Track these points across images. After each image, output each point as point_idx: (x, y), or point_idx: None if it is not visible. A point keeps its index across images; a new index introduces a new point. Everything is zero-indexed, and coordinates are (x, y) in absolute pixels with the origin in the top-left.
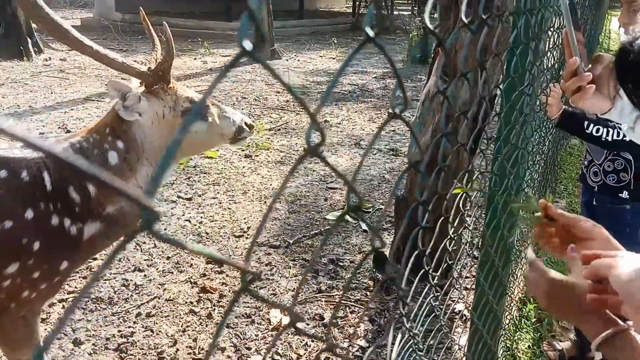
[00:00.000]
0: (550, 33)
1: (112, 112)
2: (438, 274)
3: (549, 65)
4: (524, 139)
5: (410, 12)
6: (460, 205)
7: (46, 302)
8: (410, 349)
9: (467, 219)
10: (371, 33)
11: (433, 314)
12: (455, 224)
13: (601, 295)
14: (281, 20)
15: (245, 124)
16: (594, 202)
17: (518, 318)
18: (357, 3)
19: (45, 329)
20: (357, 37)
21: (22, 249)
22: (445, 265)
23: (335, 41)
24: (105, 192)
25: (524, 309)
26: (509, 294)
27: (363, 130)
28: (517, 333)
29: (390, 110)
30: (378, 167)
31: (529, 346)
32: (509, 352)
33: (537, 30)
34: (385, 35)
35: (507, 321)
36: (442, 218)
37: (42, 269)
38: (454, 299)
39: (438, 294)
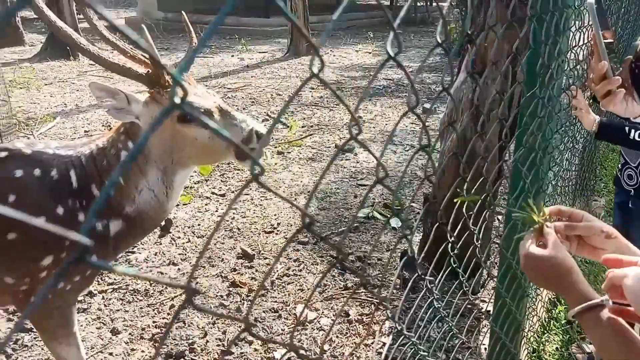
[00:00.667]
0: (572, 32)
1: None
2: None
3: (572, 66)
4: (543, 141)
5: (449, 3)
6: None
7: (81, 293)
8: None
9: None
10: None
11: (459, 314)
12: (482, 223)
13: (621, 306)
14: (318, 15)
15: (256, 133)
16: (630, 205)
17: (547, 320)
18: None
19: (86, 319)
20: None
21: (55, 243)
22: (473, 264)
23: (372, 35)
24: (122, 191)
25: (553, 311)
26: (532, 296)
27: (398, 126)
28: (545, 335)
29: (425, 106)
30: (412, 164)
31: (556, 348)
32: (535, 355)
33: (553, 32)
34: (423, 27)
35: (534, 323)
36: (464, 218)
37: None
38: (483, 299)
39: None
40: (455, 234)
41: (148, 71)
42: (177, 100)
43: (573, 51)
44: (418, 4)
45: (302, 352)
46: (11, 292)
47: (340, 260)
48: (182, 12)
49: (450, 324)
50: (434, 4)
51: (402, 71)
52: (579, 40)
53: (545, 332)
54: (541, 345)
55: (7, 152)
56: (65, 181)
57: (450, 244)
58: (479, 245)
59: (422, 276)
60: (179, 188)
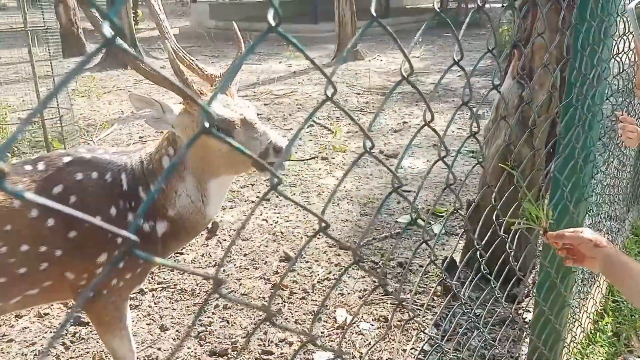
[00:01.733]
0: (614, 40)
1: None
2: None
3: (616, 72)
4: (583, 149)
5: (501, 5)
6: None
7: (133, 290)
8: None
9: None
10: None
11: (504, 322)
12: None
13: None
14: (366, 20)
15: (274, 147)
16: None
17: (592, 331)
18: None
19: (137, 315)
20: (443, 34)
21: (109, 242)
22: (517, 273)
23: (420, 39)
24: (165, 195)
25: (600, 322)
26: (574, 305)
27: (442, 131)
28: (590, 347)
29: (474, 109)
30: (456, 169)
31: None
32: None
33: (591, 41)
34: (475, 29)
35: (577, 334)
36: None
37: (126, 260)
38: (529, 308)
39: (509, 301)
40: (496, 241)
41: (185, 80)
42: (207, 124)
43: (616, 59)
44: (469, 5)
45: (345, 356)
46: (71, 287)
47: (357, 260)
48: (233, 21)
49: (483, 332)
50: (487, 5)
51: (450, 75)
52: (623, 48)
53: (590, 344)
54: (585, 357)
55: (70, 156)
56: (118, 184)
57: (492, 252)
58: (520, 254)
59: (464, 283)
60: (215, 196)
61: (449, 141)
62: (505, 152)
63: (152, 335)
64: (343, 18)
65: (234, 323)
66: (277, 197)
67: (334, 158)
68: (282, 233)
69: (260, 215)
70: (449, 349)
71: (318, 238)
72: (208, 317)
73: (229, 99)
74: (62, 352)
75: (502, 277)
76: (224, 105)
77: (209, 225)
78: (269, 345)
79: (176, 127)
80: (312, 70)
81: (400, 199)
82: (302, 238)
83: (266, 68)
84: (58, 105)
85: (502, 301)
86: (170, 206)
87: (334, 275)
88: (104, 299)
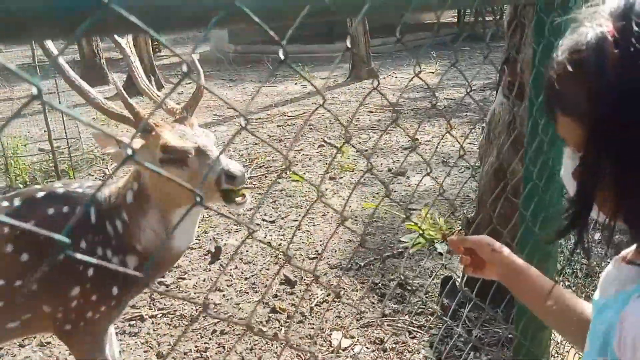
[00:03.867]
0: None
1: None
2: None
3: None
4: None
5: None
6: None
7: (112, 321)
8: None
9: None
10: None
11: (501, 343)
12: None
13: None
14: (382, 37)
15: (226, 173)
16: None
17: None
18: (462, 12)
19: (135, 342)
20: (460, 47)
21: (81, 275)
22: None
23: (435, 55)
24: (129, 230)
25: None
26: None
27: (453, 147)
28: None
29: (484, 124)
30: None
31: None
32: None
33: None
34: (492, 42)
35: None
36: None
37: (98, 292)
38: None
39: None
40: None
41: (136, 114)
42: (129, 152)
43: None
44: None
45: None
46: (49, 320)
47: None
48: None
49: (479, 355)
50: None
51: (464, 90)
52: None
53: None
54: None
55: (44, 192)
56: (86, 217)
57: None
58: None
59: (462, 303)
60: (182, 227)
61: (457, 156)
62: (498, 170)
63: None
64: (356, 37)
65: (230, 349)
66: (282, 219)
67: (341, 177)
68: (284, 255)
69: (265, 237)
70: None
71: (320, 260)
72: (205, 342)
73: (187, 129)
74: None
75: (500, 297)
76: (179, 135)
77: (212, 249)
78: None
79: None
80: (326, 89)
81: (403, 216)
82: (304, 260)
83: (282, 90)
84: (67, 135)
85: (499, 321)
86: (137, 241)
87: (332, 297)
88: (82, 331)
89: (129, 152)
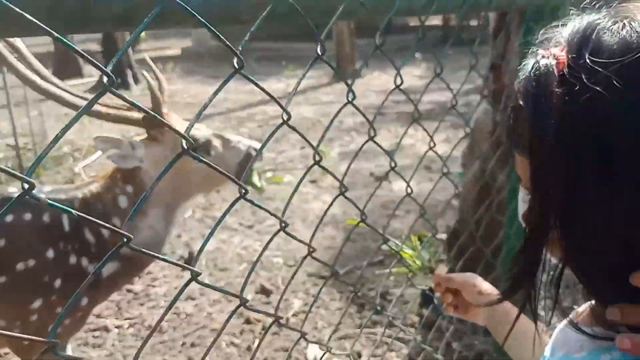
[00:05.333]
0: None
1: None
2: None
3: None
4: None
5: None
6: None
7: (71, 336)
8: None
9: None
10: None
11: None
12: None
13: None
14: (368, 38)
15: (254, 150)
16: None
17: None
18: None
19: (99, 355)
20: (445, 52)
21: (45, 286)
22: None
23: (420, 57)
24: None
25: None
26: None
27: (437, 151)
28: None
29: (467, 129)
30: (446, 191)
31: None
32: None
33: None
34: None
35: None
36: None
37: (64, 304)
38: None
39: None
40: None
41: (144, 116)
42: (185, 146)
43: None
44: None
45: None
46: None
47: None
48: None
49: None
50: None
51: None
52: None
53: None
54: None
55: None
56: (57, 225)
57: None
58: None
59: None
60: (177, 223)
61: (439, 162)
62: (480, 179)
63: None
64: (341, 37)
65: None
66: (260, 224)
67: (323, 181)
68: (261, 262)
69: (241, 242)
70: None
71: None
72: (173, 355)
73: (180, 122)
74: None
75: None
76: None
77: (185, 255)
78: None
79: (145, 160)
80: (310, 90)
81: (385, 224)
82: (281, 268)
83: (265, 88)
84: (32, 132)
85: (478, 334)
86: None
87: (308, 307)
88: (38, 347)
89: (184, 145)
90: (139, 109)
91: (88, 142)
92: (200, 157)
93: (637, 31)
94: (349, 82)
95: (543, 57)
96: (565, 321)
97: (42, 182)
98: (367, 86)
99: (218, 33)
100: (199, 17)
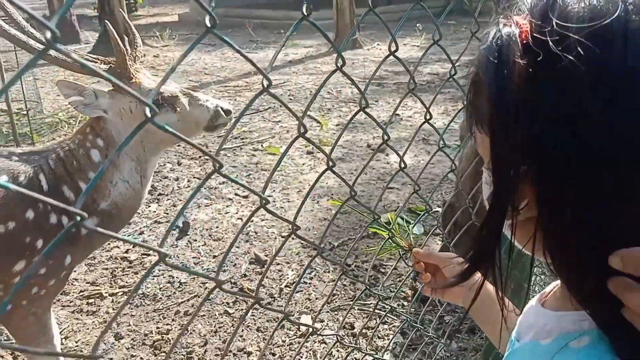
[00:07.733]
0: None
1: None
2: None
3: None
4: None
5: None
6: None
7: (54, 297)
8: None
9: None
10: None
11: (473, 330)
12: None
13: None
14: (365, 8)
15: (222, 109)
16: None
17: None
18: None
19: (93, 322)
20: (446, 22)
21: (27, 247)
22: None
23: (421, 27)
24: (96, 188)
25: None
26: None
27: (435, 124)
28: None
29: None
30: (443, 165)
31: None
32: None
33: None
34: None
35: None
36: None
37: (48, 265)
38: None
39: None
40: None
41: (110, 66)
42: (149, 114)
43: None
44: None
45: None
46: None
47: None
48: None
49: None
50: None
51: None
52: None
53: None
54: None
55: None
56: (35, 185)
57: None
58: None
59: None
60: (151, 175)
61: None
62: (477, 152)
63: (105, 344)
64: (341, 5)
65: (193, 331)
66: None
67: (319, 152)
68: (255, 233)
69: (236, 213)
70: None
71: (292, 238)
72: (167, 324)
73: (151, 78)
74: None
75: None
76: (154, 82)
77: (180, 224)
78: (226, 355)
79: (109, 110)
80: (308, 59)
81: (384, 196)
82: (276, 238)
83: (262, 57)
84: (25, 98)
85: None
86: (104, 198)
87: (303, 278)
88: (23, 311)
89: (148, 113)
90: (88, 69)
91: None
92: (164, 126)
93: None
94: (338, 46)
95: (505, 25)
96: (533, 301)
97: None
98: (367, 56)
99: None
100: None
